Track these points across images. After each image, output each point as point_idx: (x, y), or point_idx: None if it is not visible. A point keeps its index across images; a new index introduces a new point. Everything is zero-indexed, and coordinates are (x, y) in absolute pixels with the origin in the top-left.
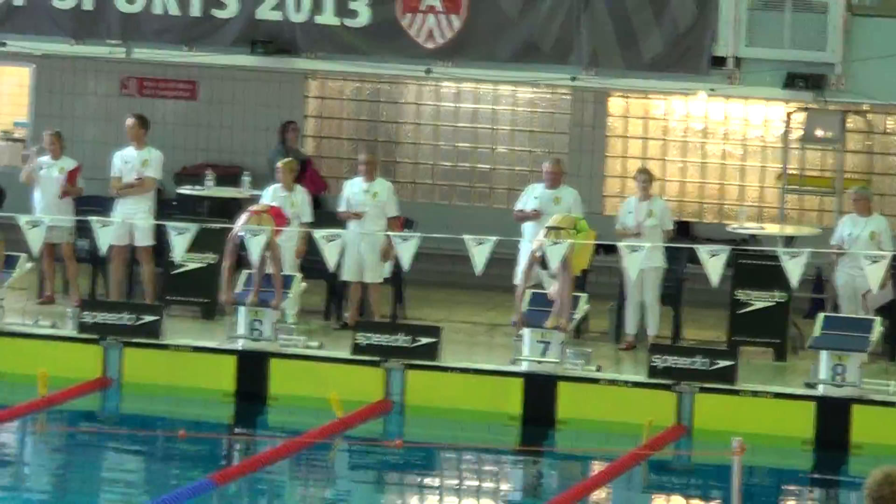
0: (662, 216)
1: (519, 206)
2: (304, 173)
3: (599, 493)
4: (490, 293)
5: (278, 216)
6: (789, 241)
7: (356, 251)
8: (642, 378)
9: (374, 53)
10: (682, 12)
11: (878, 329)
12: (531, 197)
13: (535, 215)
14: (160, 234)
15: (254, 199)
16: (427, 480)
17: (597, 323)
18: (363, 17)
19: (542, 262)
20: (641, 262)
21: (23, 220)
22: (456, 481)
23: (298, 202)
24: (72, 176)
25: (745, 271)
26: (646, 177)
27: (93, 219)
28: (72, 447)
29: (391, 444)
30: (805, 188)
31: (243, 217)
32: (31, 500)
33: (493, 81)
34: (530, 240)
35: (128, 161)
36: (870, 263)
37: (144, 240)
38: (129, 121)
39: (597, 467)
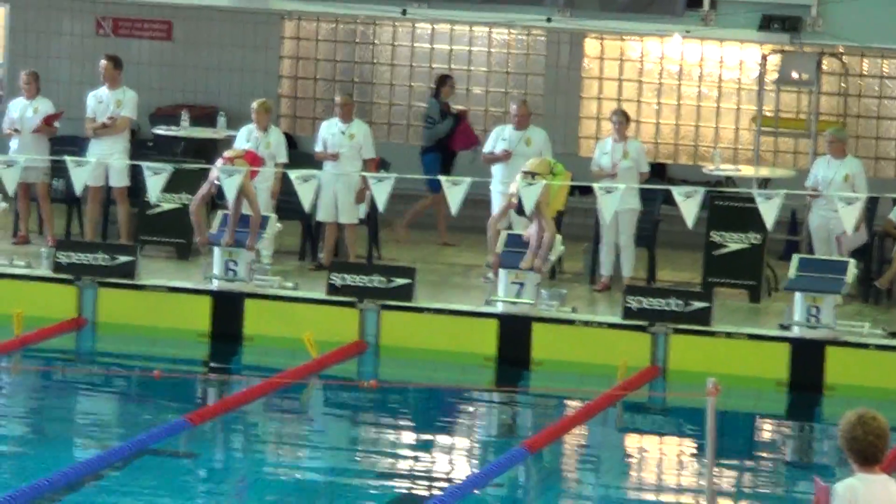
0: (638, 158)
1: (488, 148)
2: (458, 127)
3: (574, 434)
4: (464, 234)
5: (253, 160)
6: (764, 182)
7: (332, 192)
8: (617, 319)
9: None
10: None
11: (852, 271)
12: (499, 139)
13: (506, 156)
14: (135, 174)
15: (229, 140)
16: (401, 421)
17: (571, 264)
18: None
19: (519, 207)
20: (616, 204)
21: None
22: (430, 422)
23: (273, 142)
24: (50, 119)
25: (719, 213)
26: (621, 118)
27: (68, 158)
28: (46, 388)
29: (366, 384)
30: (780, 130)
31: (218, 163)
32: (6, 439)
33: (468, 23)
34: (501, 181)
35: (102, 101)
36: (844, 206)
37: (119, 180)
38: (103, 61)
39: (571, 408)
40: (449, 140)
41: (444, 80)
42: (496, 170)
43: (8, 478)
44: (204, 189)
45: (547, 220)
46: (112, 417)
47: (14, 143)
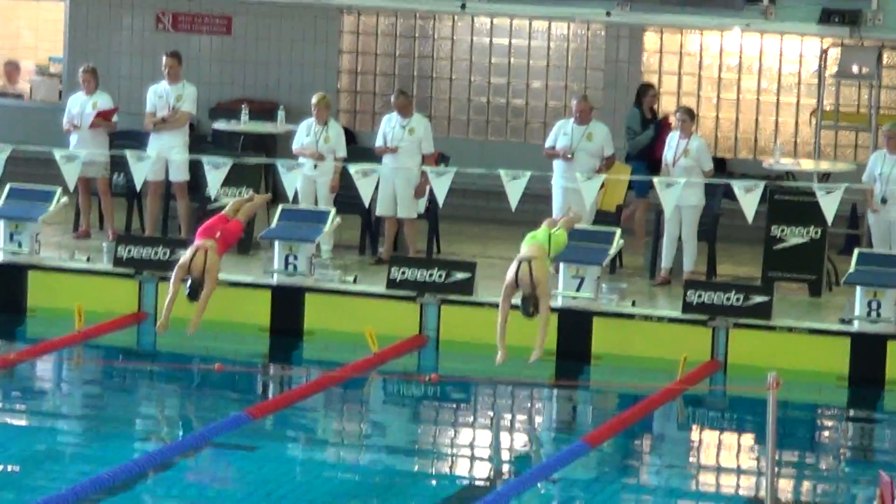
0: (699, 156)
1: (549, 143)
2: (661, 135)
3: (634, 428)
4: (524, 228)
5: (225, 240)
6: (824, 177)
7: (391, 186)
8: (677, 314)
9: None
10: None
11: None
12: (561, 133)
13: (566, 157)
14: (195, 169)
15: (288, 135)
16: (461, 415)
17: (631, 259)
18: None
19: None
20: (676, 198)
21: (58, 154)
22: (490, 415)
23: (332, 137)
24: (106, 114)
25: (780, 207)
26: (684, 115)
27: (128, 153)
28: (107, 381)
29: (426, 378)
30: (840, 124)
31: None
32: (67, 433)
33: (527, 16)
34: (563, 176)
35: (162, 96)
36: None
37: (179, 175)
38: (166, 59)
39: (631, 402)
40: (653, 148)
41: (645, 89)
42: (557, 165)
43: (70, 471)
44: (185, 257)
45: (543, 301)
46: (173, 411)
47: (74, 139)
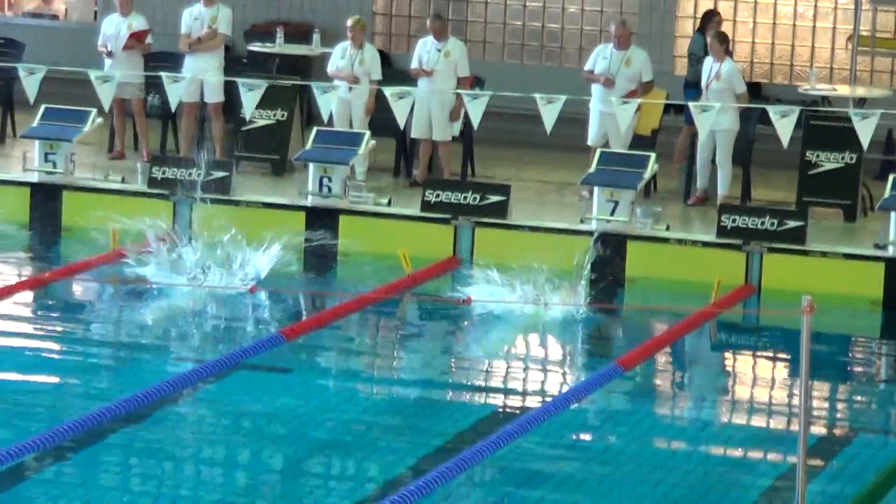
0: (731, 79)
1: (588, 66)
2: None
3: (667, 351)
4: (559, 152)
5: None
6: (860, 102)
7: (426, 109)
8: (711, 238)
9: None
10: None
11: None
12: (600, 58)
13: (605, 81)
14: (230, 90)
15: (323, 57)
16: (495, 337)
17: (666, 183)
18: None
19: None
20: (711, 122)
21: (93, 75)
22: (524, 338)
23: (368, 59)
24: (140, 36)
25: (815, 132)
26: (716, 40)
27: (163, 75)
28: (142, 301)
29: (459, 300)
30: (876, 50)
31: None
32: (101, 353)
33: None
34: (600, 100)
35: (197, 18)
36: None
37: (214, 96)
38: None
39: (665, 326)
40: None
41: (709, 16)
42: (595, 89)
43: (105, 389)
44: None
45: None
46: (208, 332)
47: (108, 60)
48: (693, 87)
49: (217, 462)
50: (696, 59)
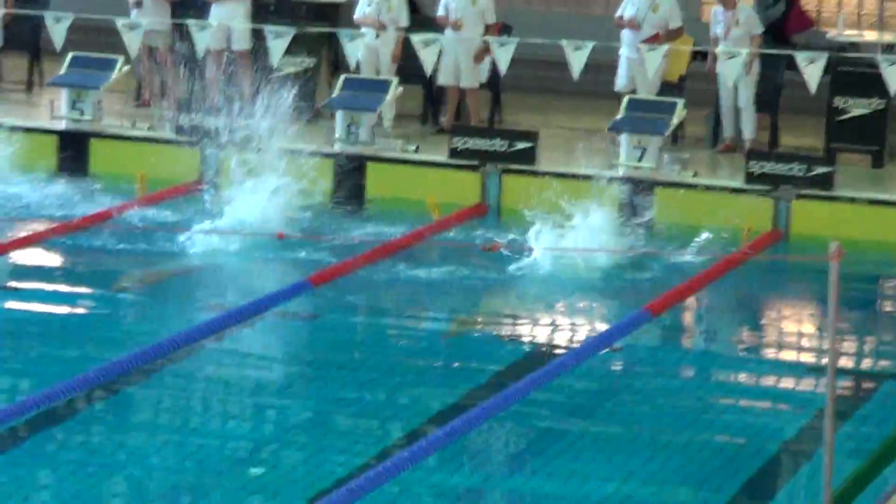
0: (748, 22)
1: (618, 12)
2: (791, 11)
3: (696, 297)
4: (586, 99)
5: None
6: (888, 47)
7: (453, 56)
8: (739, 184)
9: None
10: None
11: None
12: (629, 3)
13: (633, 25)
14: (257, 37)
15: (351, 3)
16: (523, 283)
17: (694, 129)
18: None
19: None
20: (737, 69)
21: (120, 23)
22: (553, 283)
23: (395, 6)
24: None
25: (843, 78)
26: None
27: (190, 22)
28: (170, 249)
29: (487, 247)
30: None
31: None
32: (128, 300)
33: None
34: (628, 46)
35: None
36: None
37: (241, 43)
38: None
39: (693, 272)
40: (783, 24)
41: None
42: (624, 35)
43: (132, 335)
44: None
45: None
46: (237, 279)
47: (135, 9)
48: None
49: (245, 409)
50: (764, 6)
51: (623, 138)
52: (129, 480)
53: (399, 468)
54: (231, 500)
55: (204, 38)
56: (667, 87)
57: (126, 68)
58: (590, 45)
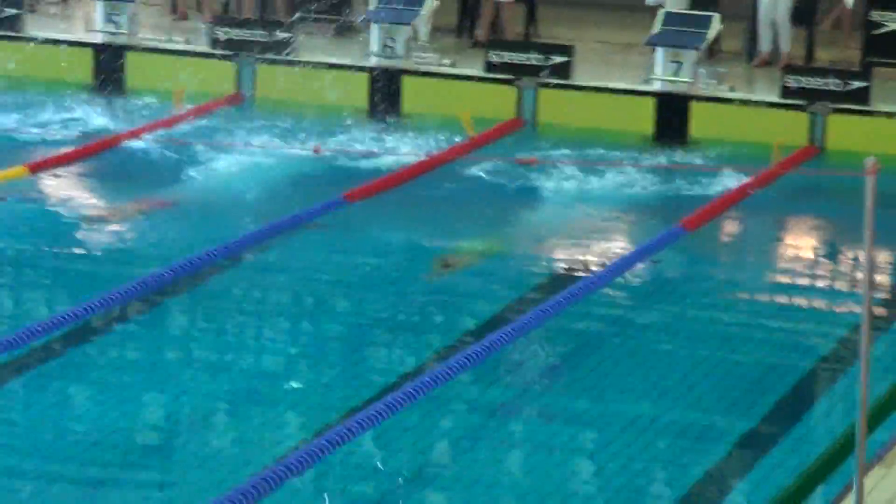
0: None
1: None
2: None
3: (730, 212)
4: (621, 13)
5: None
6: None
7: None
8: (775, 98)
9: None
10: None
11: None
12: None
13: None
14: None
15: None
16: (559, 198)
17: (730, 43)
18: None
19: None
20: None
21: None
22: (588, 199)
23: None
24: None
25: None
26: None
27: None
28: (208, 163)
29: (524, 161)
30: None
31: None
32: (166, 215)
33: None
34: None
35: None
36: None
37: None
38: None
39: (728, 187)
40: None
41: None
42: None
43: (169, 250)
44: None
45: None
46: (272, 193)
47: None
48: None
49: (280, 324)
50: None
51: (659, 52)
52: (166, 395)
53: (434, 383)
54: (268, 414)
55: None
56: (701, 0)
57: None
58: None
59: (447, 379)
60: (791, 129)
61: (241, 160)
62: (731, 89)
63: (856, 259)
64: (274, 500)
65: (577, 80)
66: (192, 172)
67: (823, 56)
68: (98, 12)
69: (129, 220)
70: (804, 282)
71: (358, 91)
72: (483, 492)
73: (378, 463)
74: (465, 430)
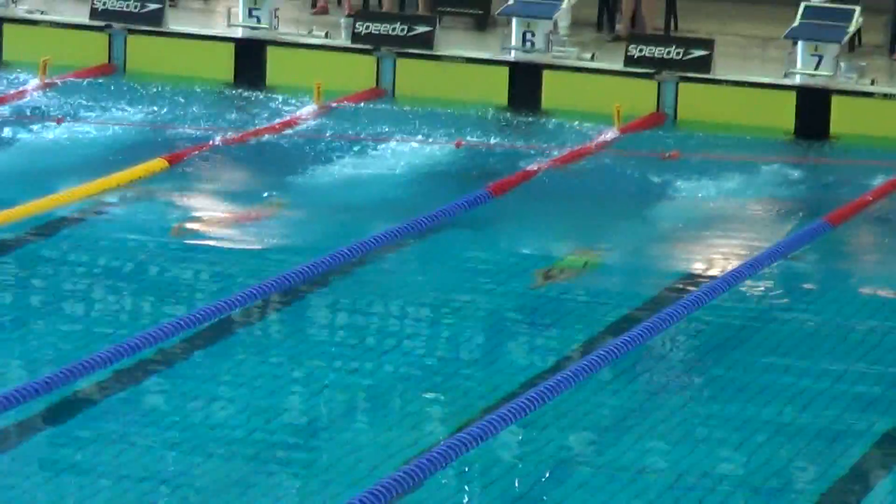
0: None
1: None
2: None
3: (875, 208)
4: (763, 6)
5: None
6: None
7: None
8: None
9: None
10: None
11: None
12: None
13: None
14: None
15: None
16: (701, 192)
17: (871, 37)
18: None
19: None
20: None
21: None
22: (731, 193)
23: None
24: None
25: None
26: None
27: None
28: (349, 155)
29: (666, 155)
30: None
31: None
32: (314, 210)
33: None
34: None
35: None
36: None
37: None
38: None
39: (872, 182)
40: None
41: None
42: None
43: (311, 243)
44: None
45: None
46: (412, 188)
47: None
48: None
49: (420, 321)
50: None
51: (799, 46)
52: (307, 390)
53: (575, 378)
54: (409, 408)
55: None
56: None
57: None
58: None
59: (588, 374)
60: None
61: (381, 154)
62: (873, 83)
63: None
64: (417, 495)
65: (718, 73)
66: (332, 167)
67: None
68: (239, 7)
69: (268, 214)
70: None
71: (497, 85)
72: (622, 487)
73: (519, 458)
74: (606, 426)
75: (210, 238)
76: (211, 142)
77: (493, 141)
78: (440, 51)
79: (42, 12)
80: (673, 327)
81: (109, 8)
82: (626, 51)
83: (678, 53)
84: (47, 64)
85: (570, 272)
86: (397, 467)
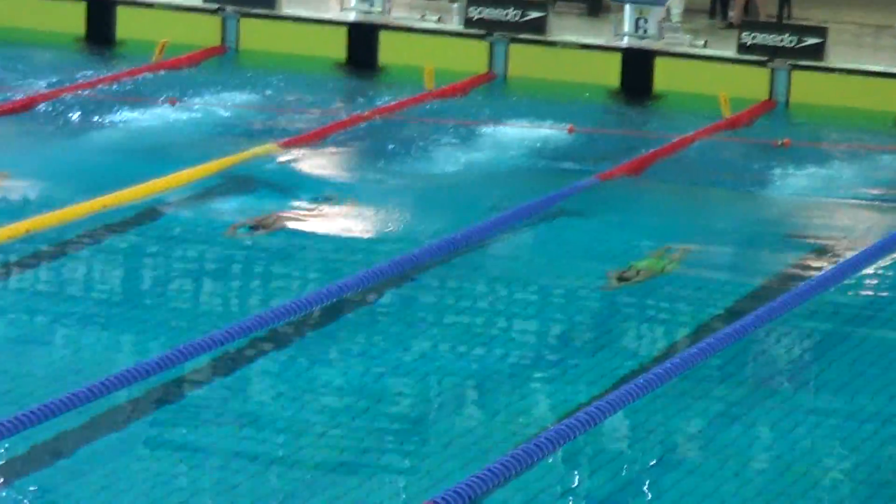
0: None
1: None
2: None
3: None
4: None
5: None
6: None
7: None
8: None
9: None
10: None
11: None
12: None
13: None
14: None
15: None
16: (812, 181)
17: None
18: None
19: None
20: None
21: None
22: (841, 182)
23: None
24: None
25: None
26: None
27: None
28: (460, 141)
29: (778, 142)
30: None
31: None
32: (421, 197)
33: None
34: None
35: None
36: None
37: None
38: None
39: None
40: None
41: None
42: None
43: (419, 228)
44: None
45: None
46: (523, 173)
47: None
48: None
49: (529, 302)
50: None
51: None
52: (413, 376)
53: (680, 368)
54: (516, 394)
55: None
56: None
57: None
58: None
59: (692, 365)
60: None
61: (493, 138)
62: None
63: None
64: (524, 478)
65: (831, 61)
66: (443, 150)
67: None
68: None
69: (378, 197)
70: None
71: (610, 71)
72: (727, 478)
73: (624, 446)
74: (709, 418)
75: (316, 219)
76: (322, 124)
77: (604, 127)
78: (553, 36)
79: None
80: (779, 319)
81: None
82: (739, 38)
83: (791, 41)
84: (165, 46)
85: (646, 273)
86: (505, 452)
